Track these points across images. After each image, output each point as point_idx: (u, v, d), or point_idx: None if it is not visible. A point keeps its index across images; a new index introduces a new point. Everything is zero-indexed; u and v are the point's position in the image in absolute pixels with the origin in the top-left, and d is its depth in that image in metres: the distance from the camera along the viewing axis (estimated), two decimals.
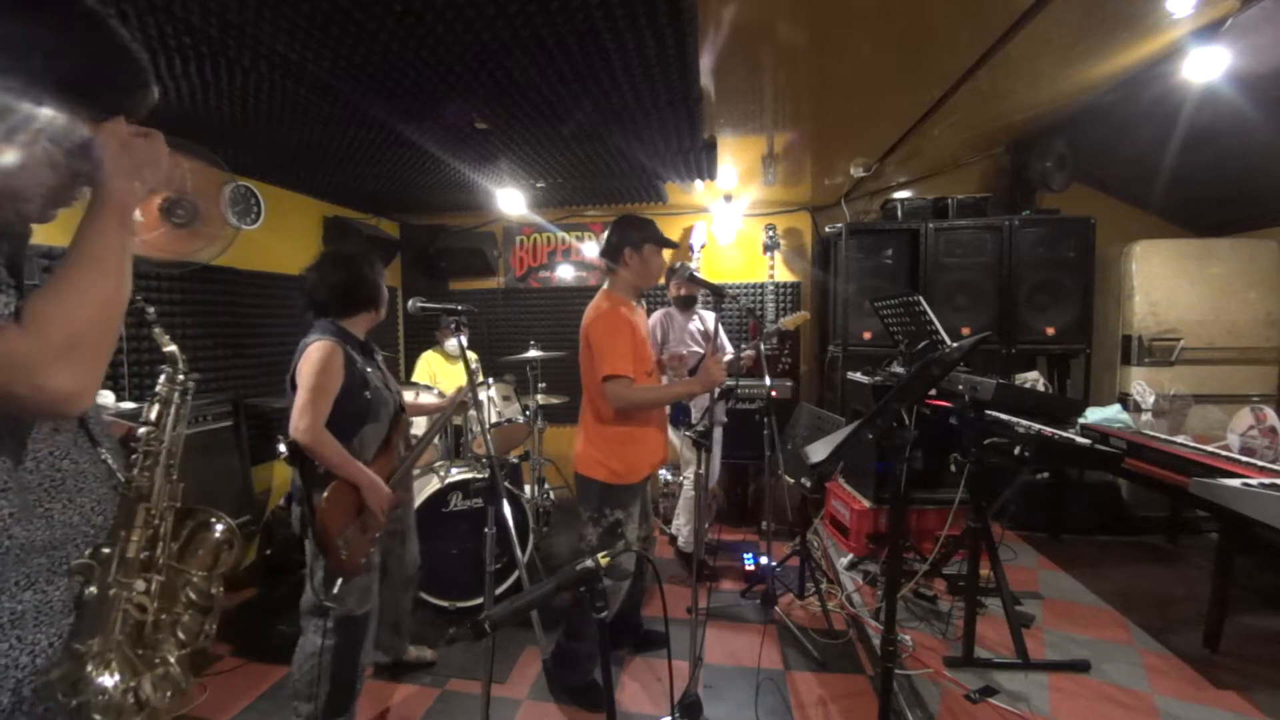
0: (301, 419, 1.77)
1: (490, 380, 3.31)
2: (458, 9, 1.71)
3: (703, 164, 3.38)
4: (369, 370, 2.00)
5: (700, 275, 2.51)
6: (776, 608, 2.92)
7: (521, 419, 3.42)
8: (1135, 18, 2.14)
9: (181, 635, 0.91)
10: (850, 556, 3.14)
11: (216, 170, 2.67)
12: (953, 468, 2.34)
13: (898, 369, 3.15)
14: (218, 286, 3.24)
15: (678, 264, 2.34)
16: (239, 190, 2.88)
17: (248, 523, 3.09)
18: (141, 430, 0.93)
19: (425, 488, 2.84)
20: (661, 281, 2.32)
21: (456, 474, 2.89)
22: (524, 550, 2.82)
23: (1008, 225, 3.63)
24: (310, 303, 2.00)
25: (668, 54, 2.03)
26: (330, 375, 1.84)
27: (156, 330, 1.02)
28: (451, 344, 3.72)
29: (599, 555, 1.13)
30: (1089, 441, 2.25)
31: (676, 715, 1.91)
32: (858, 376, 3.44)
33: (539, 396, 3.77)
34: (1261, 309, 3.42)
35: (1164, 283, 3.49)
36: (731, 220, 4.55)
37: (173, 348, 1.00)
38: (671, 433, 3.51)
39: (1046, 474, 3.47)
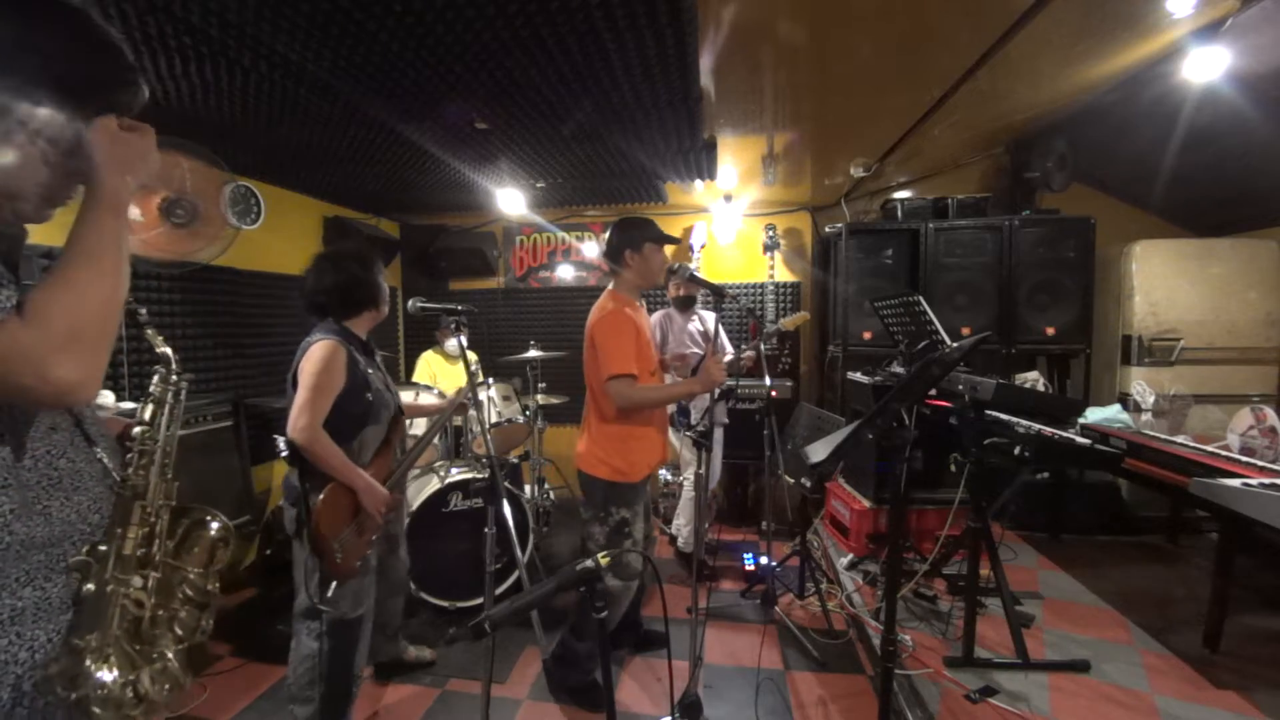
0: (300, 417, 1.77)
1: (490, 380, 3.30)
2: (458, 9, 1.71)
3: (703, 164, 3.37)
4: (370, 371, 2.00)
5: (700, 275, 2.51)
6: (776, 608, 2.92)
7: (521, 419, 3.42)
8: (1135, 18, 2.14)
9: (179, 631, 0.93)
10: (850, 556, 3.14)
11: (216, 170, 2.68)
12: (953, 468, 2.34)
13: (898, 369, 3.15)
14: (218, 286, 3.24)
15: (677, 264, 2.34)
16: (239, 190, 2.88)
17: (247, 523, 3.09)
18: (136, 430, 0.94)
19: (425, 488, 2.84)
20: (661, 282, 2.32)
21: (456, 474, 2.89)
22: (524, 550, 2.82)
23: (1008, 225, 3.63)
24: (310, 305, 1.99)
25: (668, 54, 2.03)
26: (332, 375, 1.83)
27: (150, 331, 1.03)
28: (451, 344, 3.72)
29: (599, 555, 1.13)
30: (1089, 441, 2.25)
31: (676, 715, 1.91)
32: (858, 376, 3.44)
33: (539, 396, 3.77)
34: (1261, 309, 3.42)
35: (1164, 283, 3.49)
36: (731, 220, 4.55)
37: (165, 349, 1.01)
38: (671, 433, 3.51)
39: (1046, 474, 3.47)
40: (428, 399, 2.95)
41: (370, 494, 1.89)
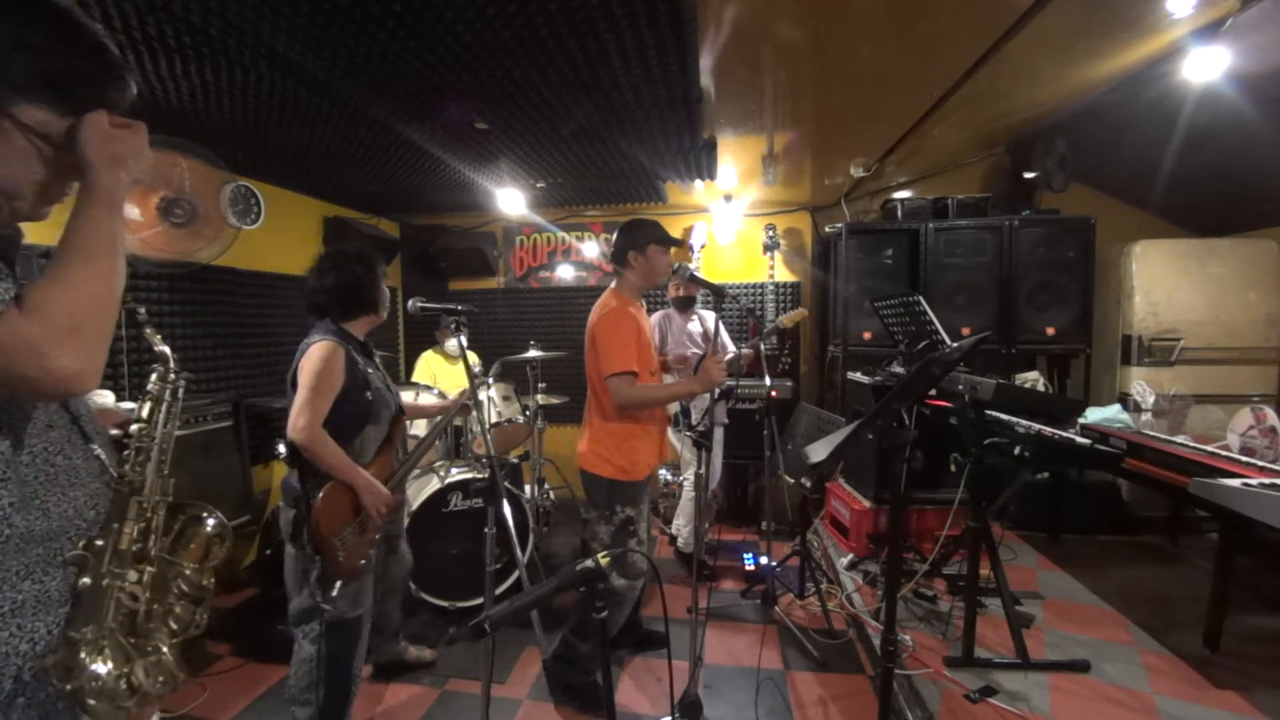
0: (300, 418, 1.77)
1: (490, 379, 3.30)
2: (457, 9, 1.71)
3: (703, 164, 3.37)
4: (369, 371, 2.00)
5: (700, 275, 2.51)
6: (776, 608, 2.92)
7: (521, 419, 3.42)
8: (1135, 18, 2.14)
9: (173, 625, 0.93)
10: (850, 556, 3.14)
11: (216, 170, 2.68)
12: (953, 468, 2.34)
13: (898, 369, 3.15)
14: (218, 286, 3.24)
15: (678, 264, 2.34)
16: (239, 190, 2.88)
17: (247, 523, 3.09)
18: (134, 427, 0.96)
19: (425, 488, 2.84)
20: (664, 282, 2.32)
21: (456, 474, 2.89)
22: (524, 550, 2.82)
23: (1008, 225, 3.63)
24: (310, 306, 1.99)
25: (668, 54, 2.03)
26: (331, 376, 1.84)
27: (148, 330, 1.04)
28: (451, 344, 3.72)
29: (600, 555, 1.13)
30: (1089, 441, 2.25)
31: (676, 715, 1.91)
32: (858, 376, 3.44)
33: (539, 396, 3.77)
34: (1261, 309, 3.42)
35: (1164, 283, 3.49)
36: (731, 220, 4.55)
37: (163, 347, 1.02)
38: (671, 433, 3.51)
39: (1046, 474, 3.47)
40: (428, 399, 2.95)
41: (371, 492, 1.89)
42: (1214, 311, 3.44)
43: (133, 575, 0.88)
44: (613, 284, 2.28)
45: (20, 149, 0.75)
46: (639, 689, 2.38)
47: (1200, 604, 2.36)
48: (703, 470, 2.27)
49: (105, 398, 2.25)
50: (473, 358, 2.08)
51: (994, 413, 2.40)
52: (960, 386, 2.32)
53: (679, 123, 2.70)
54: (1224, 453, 2.32)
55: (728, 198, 4.34)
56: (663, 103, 2.46)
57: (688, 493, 3.46)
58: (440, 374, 3.74)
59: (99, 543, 0.85)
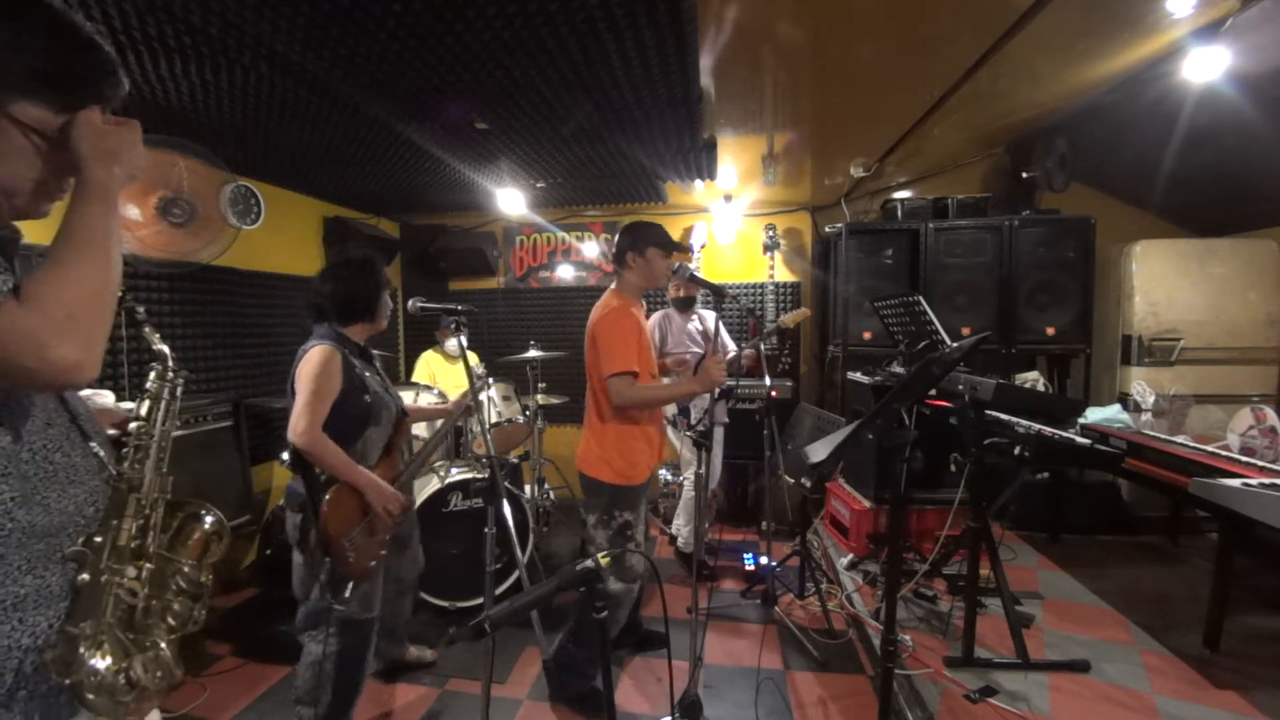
0: (300, 422, 1.78)
1: (490, 379, 3.30)
2: (457, 9, 1.71)
3: (703, 164, 3.37)
4: (367, 375, 2.01)
5: (700, 275, 2.51)
6: (776, 608, 2.92)
7: (521, 419, 3.42)
8: (1135, 18, 2.14)
9: (172, 621, 0.94)
10: (850, 556, 3.14)
11: (216, 170, 2.68)
12: (953, 468, 2.34)
13: (898, 369, 3.15)
14: (218, 286, 3.24)
15: (677, 265, 2.34)
16: (239, 190, 2.88)
17: (247, 523, 3.09)
18: (132, 425, 0.96)
19: (425, 488, 2.84)
20: (664, 282, 2.32)
21: (456, 474, 2.89)
22: (524, 550, 2.82)
23: (1008, 225, 3.63)
24: (312, 307, 2.02)
25: (668, 54, 2.03)
26: (328, 379, 1.84)
27: (147, 329, 1.05)
28: (452, 344, 3.72)
29: (600, 555, 1.13)
30: (1089, 441, 2.25)
31: (676, 715, 1.91)
32: (858, 376, 3.44)
33: (539, 396, 3.77)
34: (1261, 309, 3.42)
35: (1164, 283, 3.49)
36: (731, 220, 4.55)
37: (162, 346, 1.03)
38: (671, 433, 3.51)
39: (1046, 474, 3.47)
40: (428, 399, 2.95)
41: (376, 491, 1.90)
42: (1214, 311, 3.44)
43: (131, 571, 0.88)
44: (613, 284, 2.28)
45: (18, 146, 0.76)
46: (639, 689, 2.38)
47: (1200, 604, 2.36)
48: (703, 470, 2.27)
49: (105, 398, 2.25)
50: (472, 358, 2.08)
51: (994, 413, 2.40)
52: (960, 386, 2.32)
53: (679, 123, 2.70)
54: (1224, 453, 2.32)
55: (728, 198, 4.34)
56: (663, 103, 2.46)
57: (688, 493, 3.46)
58: (440, 374, 3.74)
59: (98, 539, 0.86)
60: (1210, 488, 1.95)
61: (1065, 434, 2.31)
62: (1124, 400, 3.37)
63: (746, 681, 2.39)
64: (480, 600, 2.38)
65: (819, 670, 2.47)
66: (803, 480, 3.33)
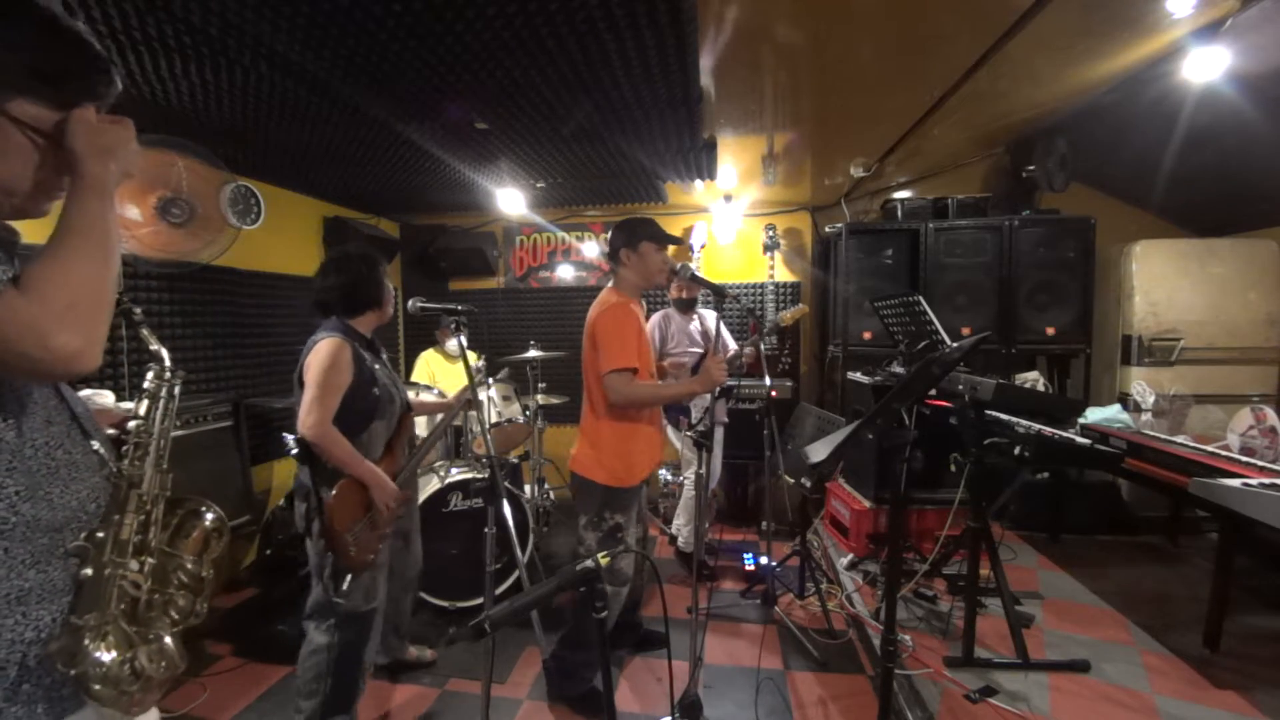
0: (309, 415, 1.79)
1: (490, 379, 3.30)
2: (458, 9, 1.71)
3: (703, 164, 3.37)
4: (376, 368, 2.02)
5: (701, 275, 2.51)
6: (776, 608, 2.92)
7: (521, 419, 3.42)
8: (1135, 18, 2.14)
9: (175, 615, 0.95)
10: (850, 556, 3.14)
11: (216, 170, 2.68)
12: (953, 468, 2.34)
13: (898, 369, 3.15)
14: (218, 286, 3.24)
15: (678, 265, 2.33)
16: (239, 190, 2.88)
17: (247, 523, 3.09)
18: (131, 424, 0.98)
19: (425, 488, 2.84)
20: (661, 281, 2.31)
21: (456, 474, 2.89)
22: (524, 550, 2.82)
23: (1008, 225, 3.63)
24: (317, 305, 2.03)
25: (668, 54, 2.03)
26: (338, 372, 1.86)
27: (144, 330, 1.06)
28: (452, 344, 3.72)
29: (599, 555, 1.13)
30: (1089, 441, 2.25)
31: (676, 715, 1.91)
32: (858, 376, 3.44)
33: (539, 396, 3.77)
34: (1261, 309, 3.42)
35: (1164, 283, 3.49)
36: (731, 220, 4.55)
37: (157, 346, 1.05)
38: (672, 433, 3.51)
39: (1046, 474, 3.47)
40: (427, 399, 2.95)
41: (380, 488, 1.92)
42: (1214, 311, 3.44)
43: (134, 565, 0.89)
44: (610, 283, 2.27)
45: (17, 144, 0.77)
46: (639, 689, 2.38)
47: (1200, 604, 2.36)
48: (703, 470, 2.27)
49: (105, 398, 2.26)
50: (472, 357, 2.09)
51: (994, 413, 2.40)
52: (960, 386, 2.32)
53: (679, 123, 2.70)
54: (1224, 453, 2.32)
55: (728, 198, 4.34)
56: (663, 103, 2.46)
57: (688, 492, 3.46)
58: (439, 373, 3.74)
59: (100, 534, 0.87)
60: (1210, 488, 1.95)
61: (1065, 434, 2.31)
62: (1124, 400, 3.37)
63: (746, 681, 2.39)
64: (480, 600, 2.38)
65: (819, 670, 2.47)
66: (803, 480, 3.33)
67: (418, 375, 3.75)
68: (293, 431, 1.87)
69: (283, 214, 3.64)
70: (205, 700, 2.28)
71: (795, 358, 4.48)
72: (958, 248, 3.71)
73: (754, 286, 4.62)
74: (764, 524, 3.05)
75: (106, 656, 0.82)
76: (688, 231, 4.56)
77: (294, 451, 1.86)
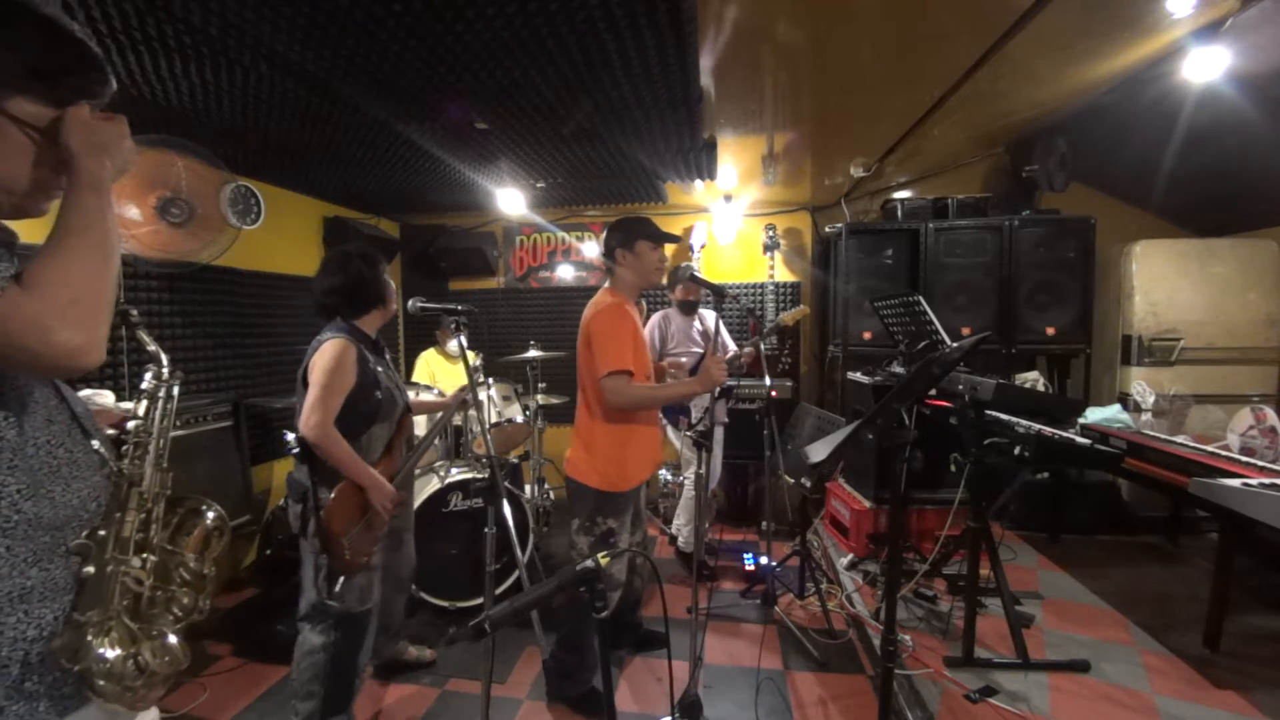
0: (312, 415, 1.79)
1: (490, 380, 3.30)
2: (458, 9, 1.71)
3: (703, 164, 3.37)
4: (380, 370, 2.02)
5: (701, 275, 2.50)
6: (776, 608, 2.92)
7: (521, 419, 3.42)
8: (1135, 18, 2.14)
9: (177, 611, 0.96)
10: (850, 556, 3.14)
11: (216, 170, 2.68)
12: (953, 468, 2.34)
13: (898, 369, 3.15)
14: (218, 286, 3.24)
15: (680, 265, 2.33)
16: (239, 190, 2.88)
17: (247, 523, 3.09)
18: (131, 424, 0.98)
19: (425, 488, 2.84)
20: (658, 281, 2.29)
21: (456, 474, 2.89)
22: (524, 550, 2.82)
23: (1008, 225, 3.63)
24: (320, 308, 2.02)
25: (668, 54, 2.02)
26: (343, 373, 1.86)
27: (140, 332, 1.08)
28: (452, 345, 3.72)
29: (599, 555, 1.13)
30: (1089, 441, 2.25)
31: (676, 715, 1.91)
32: (858, 376, 3.44)
33: (539, 396, 3.77)
34: (1261, 309, 3.42)
35: (1164, 283, 3.49)
36: (731, 220, 4.55)
37: (155, 347, 1.06)
38: (671, 433, 3.51)
39: (1046, 474, 3.47)
40: (427, 399, 2.95)
41: (378, 490, 1.92)
42: (1214, 311, 3.44)
43: (136, 561, 0.90)
44: (606, 283, 2.23)
45: (15, 142, 0.78)
46: (639, 689, 2.38)
47: (1200, 604, 2.36)
48: (703, 470, 2.26)
49: (105, 398, 2.26)
50: (472, 357, 2.08)
51: (994, 413, 2.40)
52: (960, 386, 2.32)
53: (679, 123, 2.70)
54: (1224, 453, 2.32)
55: (728, 198, 4.34)
56: (663, 103, 2.46)
57: (688, 492, 3.46)
58: (440, 373, 3.74)
59: (101, 532, 0.87)
60: (1210, 488, 1.95)
61: (1065, 434, 2.31)
62: (1124, 400, 3.37)
63: (746, 681, 2.39)
64: (480, 600, 2.39)
65: (819, 670, 2.47)
66: (803, 480, 3.33)
67: (418, 375, 3.75)
68: (294, 430, 1.87)
69: (283, 214, 3.64)
70: (205, 700, 2.28)
71: (795, 358, 4.48)
72: (958, 248, 3.71)
73: (754, 286, 4.62)
74: (764, 524, 3.05)
75: (110, 653, 0.82)
76: (688, 231, 4.56)
77: (294, 450, 1.86)
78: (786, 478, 3.27)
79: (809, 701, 2.29)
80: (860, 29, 2.12)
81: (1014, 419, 2.36)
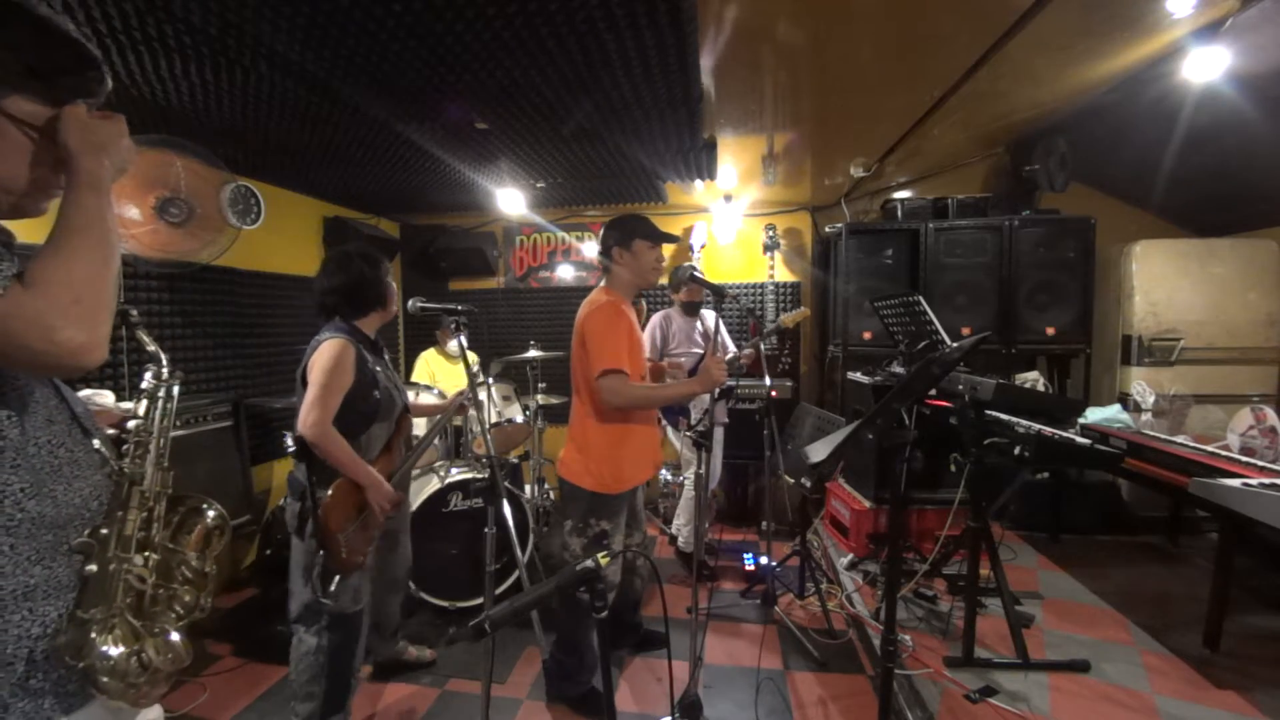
0: (310, 414, 1.79)
1: (490, 380, 3.30)
2: (458, 9, 1.71)
3: (703, 164, 3.37)
4: (379, 370, 2.02)
5: (701, 275, 2.50)
6: (776, 608, 2.92)
7: (521, 419, 3.42)
8: (1135, 18, 2.14)
9: (179, 609, 0.96)
10: (850, 556, 3.14)
11: (215, 170, 2.68)
12: (953, 468, 2.34)
13: (898, 369, 3.15)
14: (218, 286, 3.24)
15: (681, 265, 2.32)
16: (239, 190, 2.88)
17: (247, 523, 3.09)
18: (131, 424, 0.99)
19: (425, 488, 2.84)
20: (655, 281, 2.27)
21: (456, 474, 2.89)
22: (524, 550, 2.82)
23: (1008, 225, 3.63)
24: (321, 308, 2.02)
25: (668, 54, 2.02)
26: (341, 373, 1.86)
27: (140, 332, 1.08)
28: (453, 345, 3.72)
29: (599, 555, 1.13)
30: (1089, 441, 2.25)
31: (676, 715, 1.91)
32: (858, 376, 3.44)
33: (539, 396, 3.77)
34: (1261, 309, 3.42)
35: (1164, 283, 3.49)
36: (731, 220, 4.55)
37: (154, 347, 1.06)
38: (671, 433, 3.51)
39: (1046, 474, 3.47)
40: (427, 399, 2.95)
41: (376, 490, 1.92)
42: (1214, 311, 3.44)
43: (139, 559, 0.91)
44: (602, 282, 2.21)
45: (13, 141, 0.78)
46: (639, 689, 2.38)
47: (1200, 604, 2.36)
48: (703, 470, 2.26)
49: (105, 398, 2.26)
50: (472, 358, 2.08)
51: (994, 413, 2.40)
52: (960, 386, 2.32)
53: (679, 123, 2.70)
54: (1224, 453, 2.32)
55: (728, 198, 4.34)
56: (663, 103, 2.46)
57: (688, 492, 3.46)
58: (440, 373, 3.74)
59: (104, 531, 0.88)
60: (1210, 488, 1.95)
61: (1065, 434, 2.31)
62: (1124, 400, 3.37)
63: (746, 681, 2.39)
64: (480, 600, 2.39)
65: (819, 670, 2.47)
66: (803, 480, 3.33)
67: (418, 375, 3.75)
68: (293, 430, 1.87)
69: (283, 214, 3.64)
70: (205, 700, 2.28)
71: (795, 358, 4.48)
72: (958, 248, 3.71)
73: (754, 286, 4.62)
74: (764, 524, 3.05)
75: (114, 650, 0.83)
76: (687, 231, 4.56)
77: (292, 449, 1.86)
78: (786, 478, 3.27)
79: (809, 701, 2.29)
80: (860, 29, 2.12)
81: (1014, 419, 2.36)
